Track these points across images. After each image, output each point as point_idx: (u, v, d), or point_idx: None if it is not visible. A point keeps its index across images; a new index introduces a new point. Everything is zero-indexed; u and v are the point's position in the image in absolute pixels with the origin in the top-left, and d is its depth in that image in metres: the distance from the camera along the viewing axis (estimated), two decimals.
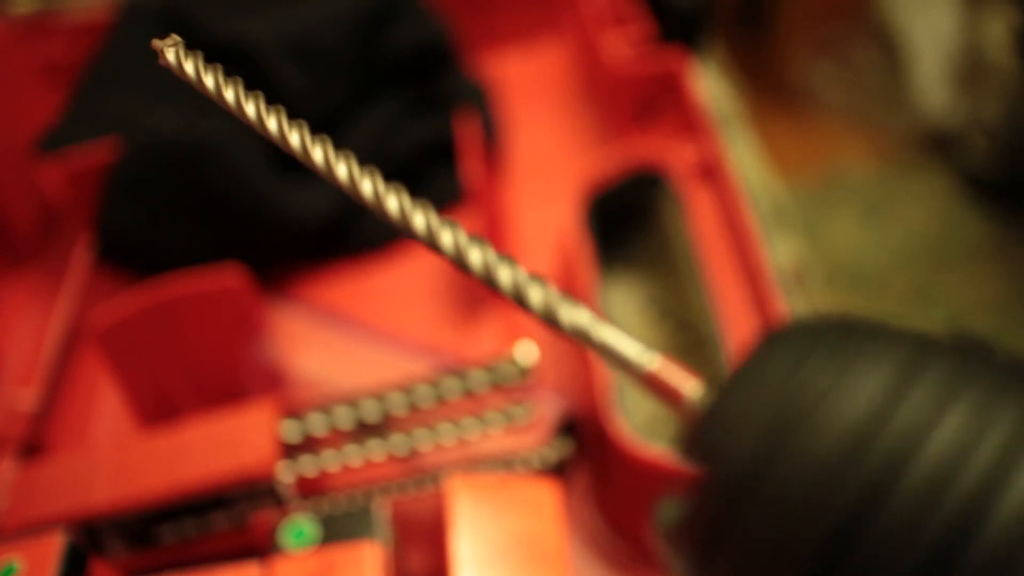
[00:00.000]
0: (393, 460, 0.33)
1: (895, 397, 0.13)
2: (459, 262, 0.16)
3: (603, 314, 0.36)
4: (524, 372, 0.32)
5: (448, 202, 0.45)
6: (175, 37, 0.19)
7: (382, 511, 0.30)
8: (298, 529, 0.30)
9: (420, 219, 0.17)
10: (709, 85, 0.50)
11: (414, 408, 0.32)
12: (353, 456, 0.32)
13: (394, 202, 0.17)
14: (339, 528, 0.30)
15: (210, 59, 0.44)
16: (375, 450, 0.32)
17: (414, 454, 0.33)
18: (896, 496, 0.13)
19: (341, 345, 0.40)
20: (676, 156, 0.41)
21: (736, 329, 0.36)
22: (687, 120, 0.44)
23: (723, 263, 0.38)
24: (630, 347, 0.16)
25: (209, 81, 0.18)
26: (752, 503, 0.14)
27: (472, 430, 0.32)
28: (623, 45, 0.46)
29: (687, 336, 0.40)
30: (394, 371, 0.39)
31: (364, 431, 0.33)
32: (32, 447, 0.38)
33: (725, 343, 0.35)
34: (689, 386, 0.15)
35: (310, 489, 0.34)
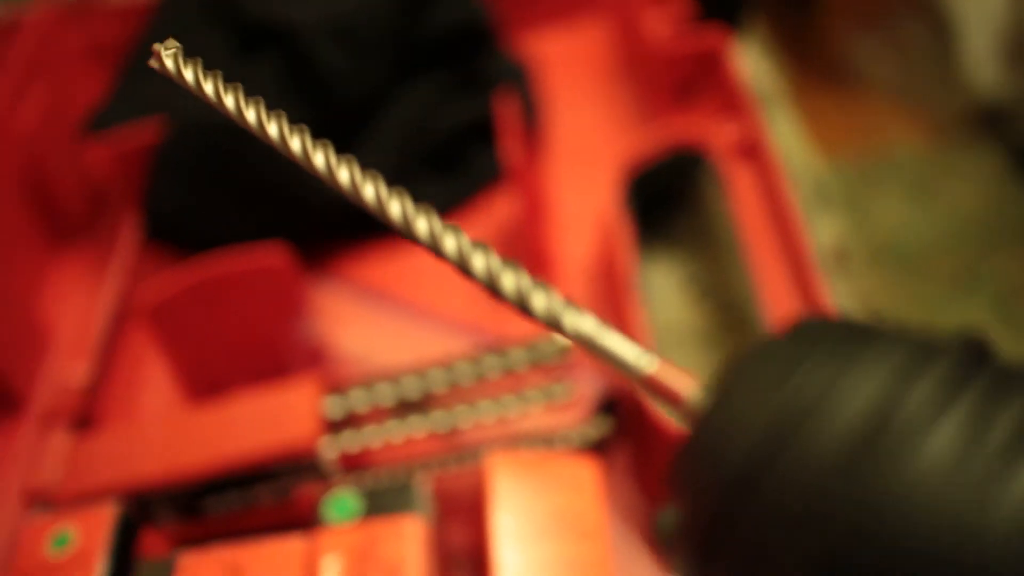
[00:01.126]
0: (434, 437, 0.33)
1: (894, 398, 0.13)
2: (463, 267, 0.16)
3: (641, 294, 0.36)
4: (564, 351, 0.32)
5: (488, 181, 0.46)
6: (173, 42, 0.18)
7: (423, 486, 0.31)
8: (341, 502, 0.31)
9: (423, 225, 0.17)
10: (750, 63, 0.50)
11: (454, 385, 0.33)
12: (395, 432, 0.33)
13: (397, 207, 0.17)
14: (381, 502, 0.31)
15: (250, 41, 0.45)
16: (416, 427, 0.33)
17: (454, 431, 0.33)
18: (896, 498, 0.13)
19: (382, 323, 0.41)
20: (717, 135, 0.41)
21: (777, 309, 0.36)
22: (728, 99, 0.43)
23: (764, 243, 0.38)
24: (630, 350, 0.16)
25: (208, 88, 0.18)
26: (751, 506, 0.14)
27: (512, 408, 0.33)
28: (664, 24, 0.45)
29: (728, 316, 0.40)
30: (434, 349, 0.39)
31: (405, 408, 0.33)
32: (83, 420, 0.39)
33: (766, 323, 0.35)
34: (688, 388, 0.15)
35: (352, 464, 0.34)
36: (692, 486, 0.15)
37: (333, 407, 0.34)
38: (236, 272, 0.37)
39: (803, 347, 0.15)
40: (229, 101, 0.18)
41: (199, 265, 0.36)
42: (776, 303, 0.36)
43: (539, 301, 0.16)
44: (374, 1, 0.42)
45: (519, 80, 0.47)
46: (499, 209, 0.45)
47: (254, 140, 0.44)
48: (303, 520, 0.33)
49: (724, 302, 0.40)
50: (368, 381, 0.34)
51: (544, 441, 0.33)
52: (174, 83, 0.46)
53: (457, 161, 0.46)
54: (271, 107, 0.43)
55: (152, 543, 0.35)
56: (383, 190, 0.17)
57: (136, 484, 0.33)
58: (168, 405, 0.42)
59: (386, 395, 0.33)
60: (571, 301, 0.16)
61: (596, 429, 0.34)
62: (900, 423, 0.13)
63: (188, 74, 0.18)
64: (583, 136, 0.48)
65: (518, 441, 0.33)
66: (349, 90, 0.43)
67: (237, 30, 0.45)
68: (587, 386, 0.35)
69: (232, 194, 0.42)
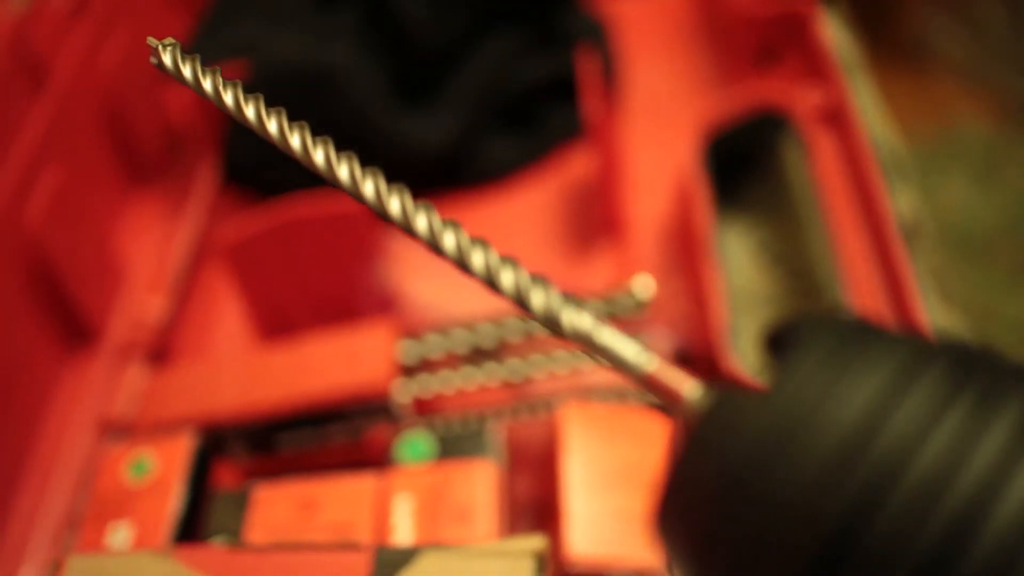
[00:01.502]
0: (506, 386, 0.34)
1: (892, 399, 0.13)
2: (462, 264, 0.16)
3: (718, 257, 0.36)
4: (640, 305, 0.32)
5: (567, 137, 0.45)
6: (171, 38, 0.18)
7: (496, 433, 0.31)
8: (414, 444, 0.31)
9: (423, 221, 0.17)
10: (833, 31, 0.49)
11: (529, 335, 0.33)
12: (468, 379, 0.33)
13: (396, 205, 0.17)
14: (454, 446, 0.31)
15: None
16: (490, 374, 0.33)
17: (527, 380, 0.33)
18: (894, 498, 0.13)
19: (454, 273, 0.41)
20: (800, 99, 0.40)
21: (854, 277, 0.35)
22: (811, 64, 0.43)
23: (844, 210, 0.37)
24: (629, 348, 0.16)
25: (208, 84, 0.18)
26: (749, 503, 0.14)
27: (585, 360, 0.33)
28: None
29: (800, 283, 0.40)
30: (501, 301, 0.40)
31: (479, 356, 0.34)
32: (158, 354, 0.40)
33: (843, 291, 0.35)
34: (688, 387, 0.15)
35: (424, 409, 0.35)
36: (692, 481, 0.15)
37: (407, 352, 0.34)
38: (315, 216, 0.37)
39: (803, 347, 0.14)
40: (228, 97, 0.18)
41: (279, 208, 0.37)
42: (854, 270, 0.36)
43: (538, 298, 0.16)
44: None
45: (597, 38, 0.47)
46: (573, 167, 0.45)
47: (328, 87, 0.44)
48: (373, 460, 0.34)
49: (797, 269, 0.40)
50: (442, 328, 0.34)
51: (616, 394, 0.33)
52: (261, 26, 0.47)
53: (533, 117, 0.45)
54: (350, 57, 0.43)
55: (225, 475, 0.36)
56: (383, 186, 0.17)
57: (211, 418, 0.34)
58: (240, 344, 0.42)
59: (460, 342, 0.33)
60: (570, 297, 0.16)
61: None
62: (900, 423, 0.13)
63: (187, 70, 0.18)
64: (661, 97, 0.48)
65: (590, 393, 0.33)
66: (429, 40, 0.43)
67: None
68: (660, 343, 0.35)
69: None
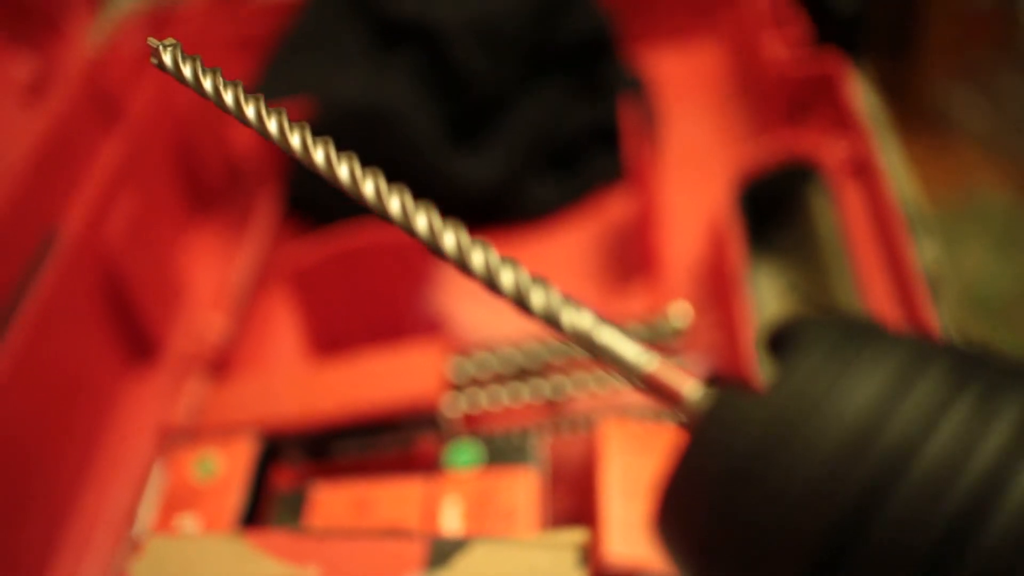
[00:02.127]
0: (549, 404, 0.36)
1: (895, 396, 0.13)
2: (462, 263, 0.16)
3: (750, 294, 0.38)
4: (678, 331, 0.34)
5: (607, 181, 0.48)
6: (171, 39, 0.18)
7: (539, 445, 0.33)
8: (464, 450, 0.33)
9: (423, 222, 0.17)
10: (862, 92, 0.52)
11: (571, 358, 0.35)
12: (514, 396, 0.35)
13: (396, 203, 0.17)
14: (500, 454, 0.33)
15: (392, 36, 0.48)
16: (535, 391, 0.35)
17: (569, 399, 0.35)
18: (897, 494, 0.13)
19: (497, 304, 0.43)
20: (829, 151, 0.43)
21: (878, 318, 0.37)
22: (840, 118, 0.45)
23: (870, 257, 0.40)
24: (629, 348, 0.16)
25: (208, 84, 0.18)
26: (751, 500, 0.14)
27: (624, 381, 0.35)
28: (781, 47, 0.48)
29: None
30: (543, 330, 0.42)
31: (524, 375, 0.36)
32: (218, 367, 0.43)
33: None
34: (688, 386, 0.15)
35: (471, 426, 0.37)
36: (693, 480, 0.15)
37: (457, 369, 0.36)
38: (374, 245, 0.40)
39: (805, 346, 0.15)
40: (228, 97, 0.18)
41: (340, 236, 0.40)
42: (878, 314, 0.38)
43: (538, 297, 0.16)
44: (516, 7, 0.45)
45: (637, 89, 0.50)
46: (612, 209, 0.48)
47: (385, 125, 0.47)
48: (423, 467, 0.36)
49: (824, 310, 0.42)
50: (489, 348, 0.36)
51: (653, 414, 0.35)
52: (325, 67, 0.50)
53: (575, 161, 0.48)
54: (408, 99, 0.46)
55: (282, 480, 0.38)
56: (382, 185, 0.17)
57: (269, 426, 0.37)
58: (295, 359, 0.45)
59: (506, 362, 0.36)
60: (569, 297, 0.16)
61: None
62: (904, 419, 0.13)
63: (187, 70, 0.18)
64: (697, 147, 0.51)
65: (627, 411, 0.35)
66: (483, 88, 0.46)
67: (380, 26, 0.49)
68: (696, 366, 0.37)
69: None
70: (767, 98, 0.49)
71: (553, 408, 0.37)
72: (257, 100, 0.18)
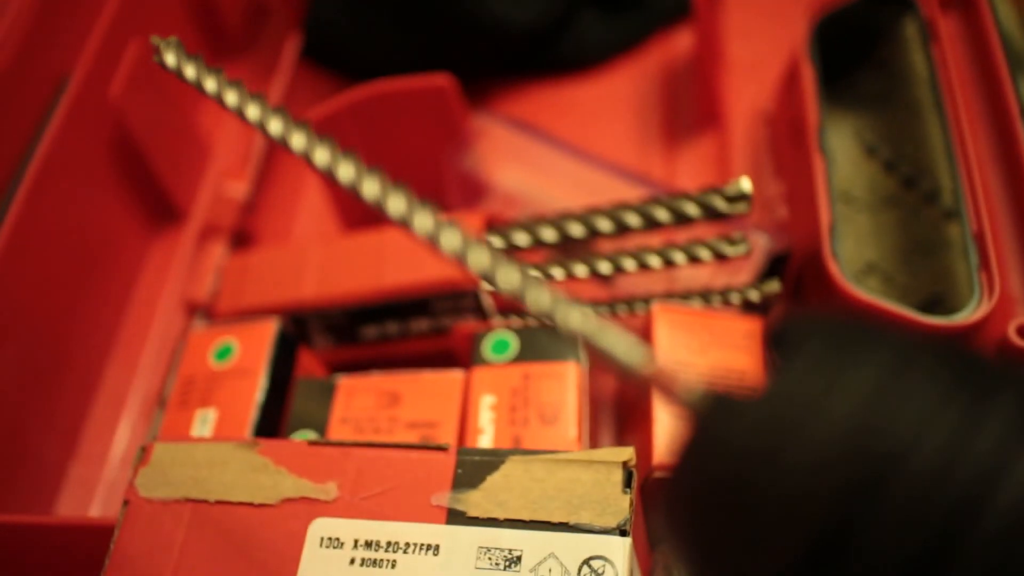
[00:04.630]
0: (595, 284, 0.32)
1: (889, 394, 0.13)
2: (462, 263, 0.17)
3: (823, 155, 0.33)
4: (738, 205, 0.30)
5: (673, 16, 0.43)
6: (174, 37, 0.18)
7: None
8: (500, 342, 0.31)
9: (424, 220, 0.17)
10: None
11: (621, 230, 0.32)
12: (557, 272, 0.32)
13: (399, 202, 0.17)
14: (540, 346, 0.30)
15: None
16: (579, 267, 0.32)
17: (616, 278, 0.32)
18: (893, 490, 0.13)
19: (543, 163, 0.39)
20: None
21: (980, 183, 0.32)
22: None
23: (968, 103, 0.34)
24: (630, 348, 0.16)
25: (210, 84, 0.18)
26: (750, 497, 0.14)
27: (679, 259, 0.31)
28: None
29: (908, 194, 0.37)
30: (594, 193, 0.38)
31: (568, 251, 0.33)
32: (241, 236, 0.40)
33: (958, 199, 0.32)
34: (688, 386, 0.15)
35: (511, 306, 0.34)
36: (693, 479, 0.15)
37: (496, 243, 0.33)
38: (398, 91, 0.36)
39: (799, 347, 0.15)
40: (230, 97, 0.18)
41: (361, 86, 0.35)
42: (973, 178, 0.32)
43: (538, 297, 0.16)
44: None
45: None
46: (669, 52, 0.43)
47: None
48: (457, 356, 0.33)
49: (906, 175, 0.37)
50: (532, 221, 0.33)
51: (706, 297, 0.32)
52: None
53: None
54: None
55: (309, 363, 0.36)
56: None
57: (294, 304, 0.34)
58: (322, 230, 0.42)
59: (550, 236, 0.32)
60: (568, 296, 0.16)
61: (761, 291, 0.32)
62: (897, 417, 0.13)
63: (190, 70, 0.18)
64: None
65: (681, 295, 0.32)
66: None
67: None
68: (756, 246, 0.33)
69: (392, 19, 0.41)
70: None
71: (600, 290, 0.33)
72: (260, 100, 0.18)
